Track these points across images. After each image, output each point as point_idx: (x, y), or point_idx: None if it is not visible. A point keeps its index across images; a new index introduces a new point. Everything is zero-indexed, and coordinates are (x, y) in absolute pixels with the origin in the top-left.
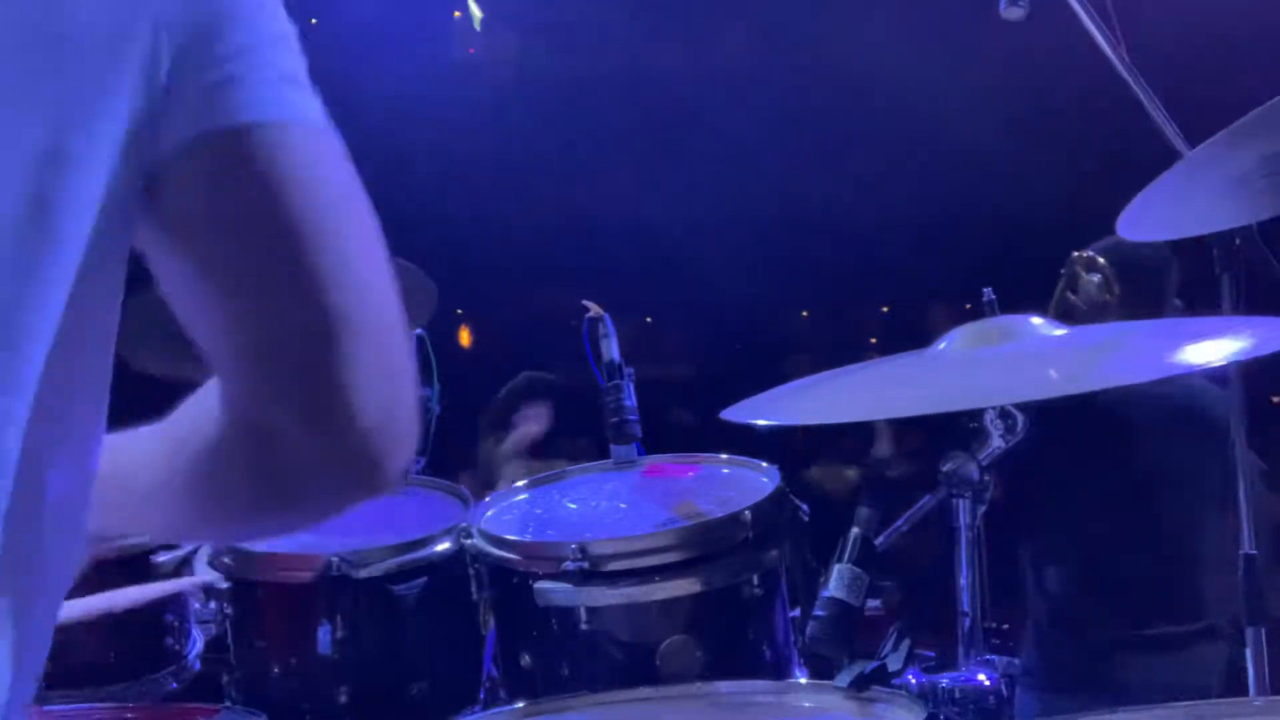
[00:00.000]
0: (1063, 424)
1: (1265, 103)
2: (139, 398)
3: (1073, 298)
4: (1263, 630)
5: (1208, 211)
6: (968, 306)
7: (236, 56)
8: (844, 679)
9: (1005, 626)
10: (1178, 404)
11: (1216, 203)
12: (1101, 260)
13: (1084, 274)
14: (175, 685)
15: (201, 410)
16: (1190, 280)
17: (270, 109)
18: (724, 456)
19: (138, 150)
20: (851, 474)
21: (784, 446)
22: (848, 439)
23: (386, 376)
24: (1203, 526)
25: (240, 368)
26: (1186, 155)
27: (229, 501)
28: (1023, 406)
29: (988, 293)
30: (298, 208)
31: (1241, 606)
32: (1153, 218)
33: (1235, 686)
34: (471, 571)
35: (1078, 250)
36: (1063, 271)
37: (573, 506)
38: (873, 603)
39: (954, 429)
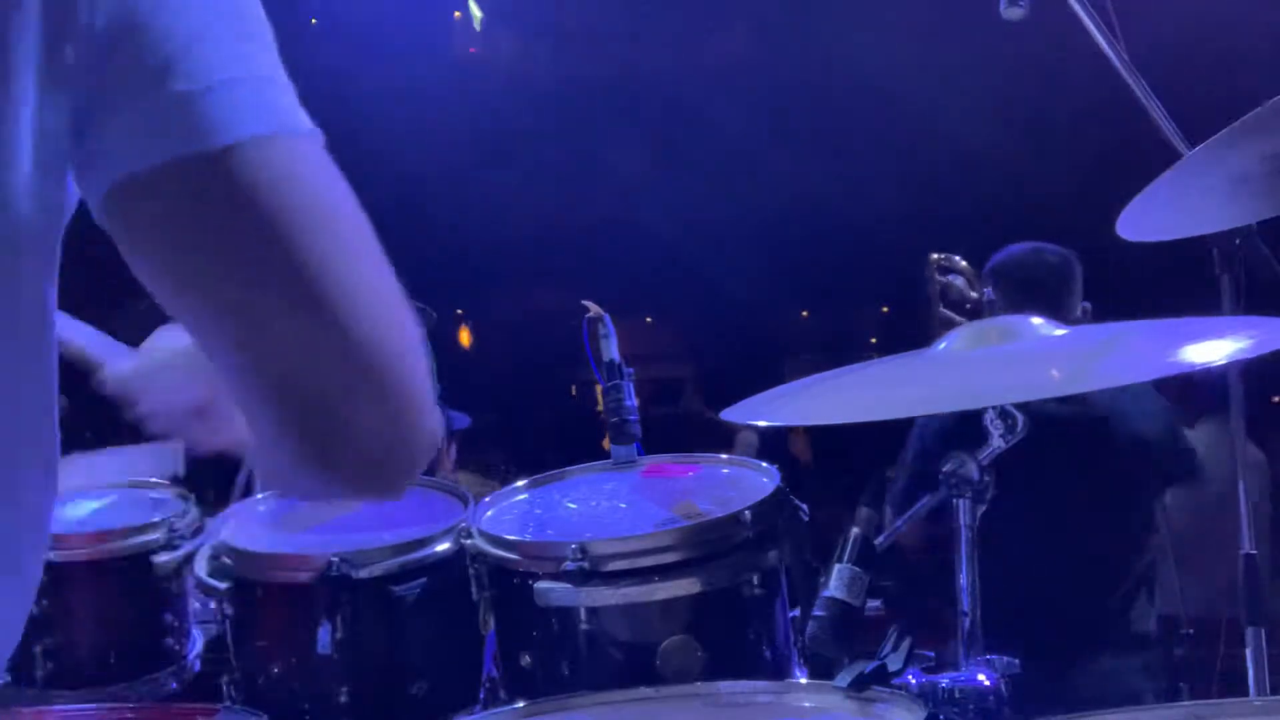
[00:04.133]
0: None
1: (1265, 103)
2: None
3: (946, 312)
4: (1263, 630)
5: (1208, 211)
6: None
7: (199, 59)
8: (844, 679)
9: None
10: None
11: (1216, 203)
12: (957, 258)
13: (941, 278)
14: (175, 685)
15: None
16: (1190, 280)
17: (249, 123)
18: (724, 456)
19: (74, 138)
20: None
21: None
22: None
23: (395, 410)
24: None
25: (241, 384)
26: (1186, 155)
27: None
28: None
29: (988, 293)
30: (288, 228)
31: (1241, 606)
32: (1153, 218)
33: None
34: (471, 571)
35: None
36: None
37: (573, 506)
38: (873, 603)
39: None
